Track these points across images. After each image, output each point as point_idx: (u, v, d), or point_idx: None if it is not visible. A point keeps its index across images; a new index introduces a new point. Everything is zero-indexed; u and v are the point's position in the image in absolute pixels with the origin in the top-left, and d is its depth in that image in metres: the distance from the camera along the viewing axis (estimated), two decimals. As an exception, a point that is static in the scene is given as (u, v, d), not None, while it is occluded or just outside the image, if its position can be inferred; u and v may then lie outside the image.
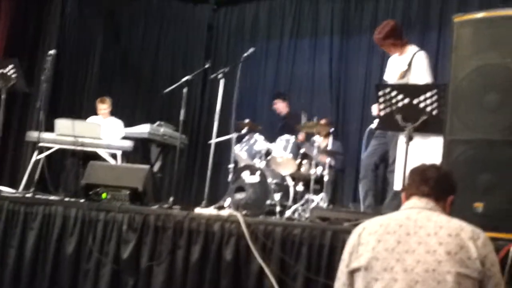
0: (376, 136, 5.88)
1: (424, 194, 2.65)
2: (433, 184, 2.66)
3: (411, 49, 5.77)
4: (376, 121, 5.59)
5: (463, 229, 2.46)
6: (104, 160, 7.03)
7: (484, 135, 3.71)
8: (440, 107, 4.24)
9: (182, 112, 5.86)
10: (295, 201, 6.34)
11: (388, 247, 2.48)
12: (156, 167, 7.63)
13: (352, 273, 2.58)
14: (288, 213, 5.88)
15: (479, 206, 3.63)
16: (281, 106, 8.82)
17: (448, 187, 2.73)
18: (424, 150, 4.56)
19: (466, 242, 2.40)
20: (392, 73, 5.83)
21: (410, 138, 4.33)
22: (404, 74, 5.60)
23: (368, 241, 2.55)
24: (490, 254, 2.45)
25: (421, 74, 5.52)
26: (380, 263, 2.46)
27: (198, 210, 4.99)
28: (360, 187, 5.86)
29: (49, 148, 7.09)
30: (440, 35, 8.14)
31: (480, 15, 3.89)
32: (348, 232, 4.03)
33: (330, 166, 7.36)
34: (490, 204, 3.61)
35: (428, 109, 4.32)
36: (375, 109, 5.61)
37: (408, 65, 5.62)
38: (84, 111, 9.33)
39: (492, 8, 3.94)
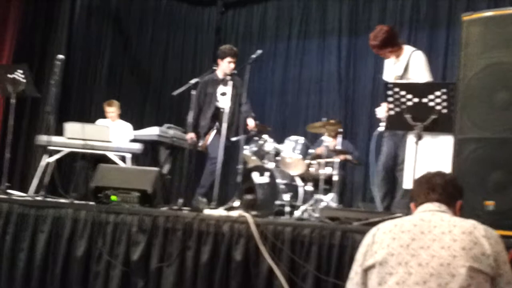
0: (387, 136, 5.85)
1: (434, 201, 2.70)
2: (441, 191, 2.71)
3: (407, 49, 5.72)
4: (382, 124, 5.57)
5: (476, 227, 2.49)
6: (113, 162, 7.05)
7: (494, 133, 3.70)
8: (450, 106, 4.23)
9: (191, 114, 5.86)
10: (304, 201, 6.34)
11: (403, 244, 2.51)
12: (165, 169, 7.64)
13: (366, 271, 2.61)
14: (297, 213, 5.87)
15: (490, 204, 3.62)
16: (232, 68, 7.06)
17: (455, 192, 2.77)
18: (434, 149, 4.54)
19: (480, 239, 2.43)
20: (390, 74, 5.79)
21: (419, 137, 4.32)
22: (402, 76, 5.56)
23: (383, 239, 2.59)
24: (502, 252, 2.48)
25: (420, 73, 5.49)
26: (395, 258, 2.50)
27: (207, 211, 4.99)
28: (378, 187, 5.77)
29: (59, 152, 7.12)
30: (449, 33, 8.11)
31: (489, 13, 3.88)
32: (358, 232, 4.05)
33: (349, 161, 7.35)
34: (501, 202, 3.60)
35: (438, 108, 4.31)
36: (379, 111, 5.57)
37: (406, 66, 5.58)
38: (93, 114, 9.36)
39: (501, 7, 3.92)
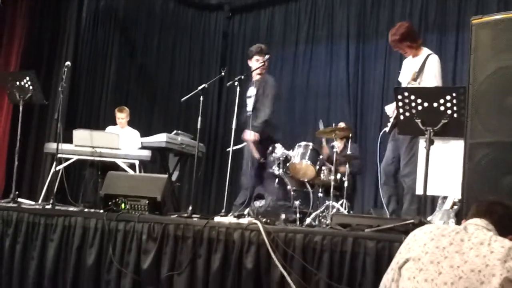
0: (391, 140, 5.84)
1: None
2: (497, 219, 2.70)
3: (425, 51, 5.79)
4: (389, 124, 5.56)
5: None
6: (122, 170, 7.03)
7: (506, 137, 3.65)
8: (460, 110, 4.19)
9: (199, 120, 5.84)
10: (315, 207, 6.30)
11: (440, 246, 2.57)
12: (174, 176, 7.62)
13: (400, 268, 2.66)
14: (308, 220, 5.84)
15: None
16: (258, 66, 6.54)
17: (511, 225, 2.74)
18: (445, 154, 4.50)
19: None
20: (405, 75, 5.81)
21: (431, 142, 4.28)
22: (417, 76, 5.57)
23: (422, 237, 2.66)
24: None
25: (431, 77, 5.51)
26: (428, 256, 2.56)
27: (217, 219, 4.96)
28: (383, 192, 5.78)
29: (67, 159, 7.12)
30: (458, 37, 8.08)
31: (498, 16, 3.84)
32: (369, 238, 4.02)
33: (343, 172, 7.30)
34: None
35: (449, 112, 4.27)
36: (389, 109, 5.58)
37: (421, 67, 5.59)
38: (101, 121, 9.38)
39: (511, 9, 3.88)
